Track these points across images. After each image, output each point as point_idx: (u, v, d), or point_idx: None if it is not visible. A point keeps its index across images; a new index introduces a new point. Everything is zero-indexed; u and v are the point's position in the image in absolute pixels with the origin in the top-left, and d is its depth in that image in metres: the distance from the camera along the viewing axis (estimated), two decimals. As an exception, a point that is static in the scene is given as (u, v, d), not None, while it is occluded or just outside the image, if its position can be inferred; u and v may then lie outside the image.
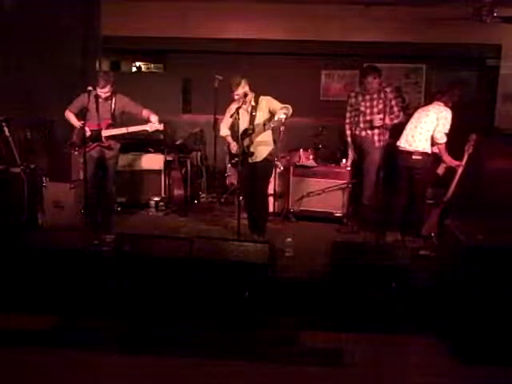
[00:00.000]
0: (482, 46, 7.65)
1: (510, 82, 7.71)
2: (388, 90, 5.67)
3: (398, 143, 5.41)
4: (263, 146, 5.05)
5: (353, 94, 5.89)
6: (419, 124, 5.29)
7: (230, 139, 5.17)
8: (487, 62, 8.00)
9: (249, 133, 4.96)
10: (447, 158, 5.26)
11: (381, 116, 5.57)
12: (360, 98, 5.74)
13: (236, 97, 4.95)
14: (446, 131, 5.18)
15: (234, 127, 5.10)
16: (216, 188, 7.09)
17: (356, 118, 5.77)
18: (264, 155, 5.07)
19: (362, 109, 5.70)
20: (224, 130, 5.25)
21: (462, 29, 7.30)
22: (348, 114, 5.90)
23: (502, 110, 7.76)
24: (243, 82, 4.93)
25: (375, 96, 5.64)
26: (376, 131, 5.65)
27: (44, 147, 6.11)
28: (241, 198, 5.08)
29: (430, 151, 5.28)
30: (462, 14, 7.18)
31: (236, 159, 5.02)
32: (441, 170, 5.32)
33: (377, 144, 5.66)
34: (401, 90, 7.88)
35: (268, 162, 5.15)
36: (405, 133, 5.40)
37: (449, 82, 5.82)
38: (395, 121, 5.62)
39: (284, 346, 3.53)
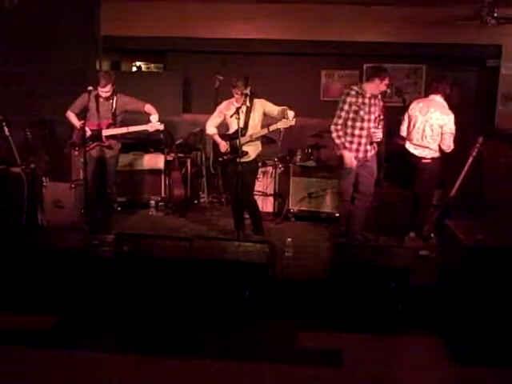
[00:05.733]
0: (483, 47, 7.66)
1: (510, 83, 7.72)
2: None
3: (407, 147, 5.31)
4: (255, 147, 5.09)
5: (353, 92, 4.98)
6: (427, 128, 5.16)
7: (217, 138, 5.15)
8: (488, 63, 8.00)
9: (243, 133, 4.95)
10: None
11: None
12: (360, 100, 4.98)
13: (236, 96, 4.94)
14: (454, 132, 5.12)
15: (228, 126, 5.13)
16: (216, 188, 7.08)
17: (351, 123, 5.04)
18: (254, 155, 5.11)
19: (362, 113, 4.99)
20: (211, 129, 5.21)
21: (463, 29, 7.31)
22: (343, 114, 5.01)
23: (502, 110, 7.77)
24: (249, 83, 4.94)
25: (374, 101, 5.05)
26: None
27: (44, 147, 6.11)
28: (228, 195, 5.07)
29: (439, 154, 5.22)
30: (463, 14, 7.21)
31: (224, 157, 5.10)
32: None
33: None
34: (401, 91, 7.88)
35: (255, 163, 5.22)
36: (411, 136, 5.27)
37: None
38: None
39: (284, 345, 3.53)
